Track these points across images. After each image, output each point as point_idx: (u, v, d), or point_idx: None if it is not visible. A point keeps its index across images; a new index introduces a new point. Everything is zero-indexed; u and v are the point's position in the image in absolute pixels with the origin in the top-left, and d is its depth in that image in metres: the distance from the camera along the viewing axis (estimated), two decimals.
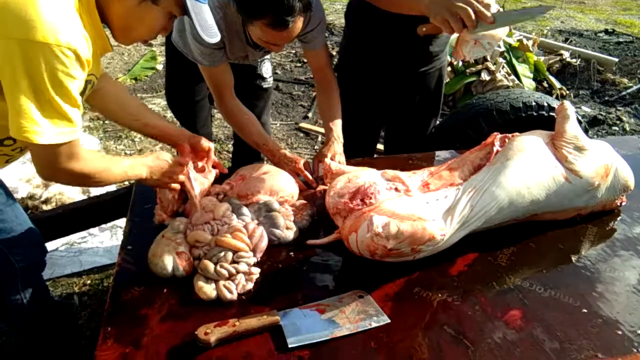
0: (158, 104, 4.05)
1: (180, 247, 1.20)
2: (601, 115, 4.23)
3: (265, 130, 1.78)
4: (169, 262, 1.16)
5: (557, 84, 4.58)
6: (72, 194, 2.65)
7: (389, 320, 1.08)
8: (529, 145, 1.36)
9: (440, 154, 1.85)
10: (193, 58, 1.63)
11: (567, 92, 4.61)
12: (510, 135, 1.43)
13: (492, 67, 4.13)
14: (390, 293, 1.16)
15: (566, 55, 5.10)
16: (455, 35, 1.38)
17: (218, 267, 1.15)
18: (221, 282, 1.14)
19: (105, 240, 2.45)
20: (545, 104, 2.06)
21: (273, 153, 1.63)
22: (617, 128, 4.09)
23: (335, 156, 1.59)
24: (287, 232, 1.32)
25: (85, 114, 3.37)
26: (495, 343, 1.04)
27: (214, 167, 1.48)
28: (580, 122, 1.63)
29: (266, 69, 2.07)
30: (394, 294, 1.16)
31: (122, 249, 1.27)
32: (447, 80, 3.76)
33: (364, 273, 1.22)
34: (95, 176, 1.14)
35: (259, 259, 1.24)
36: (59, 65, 0.97)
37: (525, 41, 4.52)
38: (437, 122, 2.17)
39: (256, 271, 1.19)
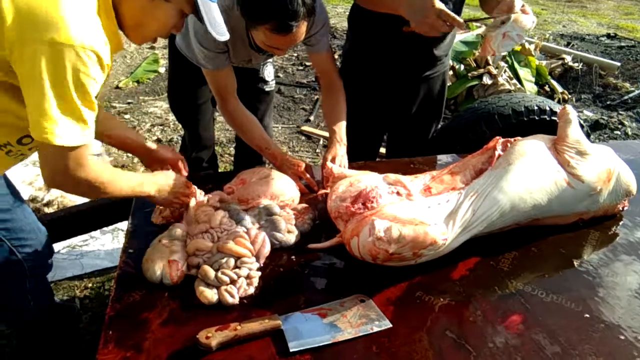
0: (160, 107, 4.05)
1: (174, 254, 1.19)
2: (603, 119, 4.23)
3: (268, 134, 1.78)
4: (158, 269, 1.16)
5: (559, 88, 4.58)
6: (74, 197, 2.65)
7: (391, 325, 1.07)
8: (531, 150, 1.35)
9: (442, 158, 1.85)
10: (197, 62, 1.63)
11: (569, 96, 4.61)
12: (512, 139, 1.43)
13: (494, 71, 4.14)
14: (392, 297, 1.16)
15: (568, 59, 5.10)
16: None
17: (219, 274, 1.14)
18: (222, 286, 1.13)
19: (106, 243, 2.45)
20: (547, 108, 2.05)
21: (275, 157, 1.63)
22: (619, 132, 4.08)
23: (336, 158, 1.58)
24: (289, 235, 1.32)
25: None
26: (497, 348, 1.04)
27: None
28: (582, 127, 1.62)
29: (268, 72, 2.08)
30: (395, 298, 1.16)
31: (123, 252, 1.27)
32: (449, 84, 3.76)
33: (365, 277, 1.21)
34: (100, 186, 1.13)
35: (262, 264, 1.23)
36: (82, 66, 0.97)
37: (527, 45, 4.53)
38: (440, 126, 2.17)
39: (256, 275, 1.18)
